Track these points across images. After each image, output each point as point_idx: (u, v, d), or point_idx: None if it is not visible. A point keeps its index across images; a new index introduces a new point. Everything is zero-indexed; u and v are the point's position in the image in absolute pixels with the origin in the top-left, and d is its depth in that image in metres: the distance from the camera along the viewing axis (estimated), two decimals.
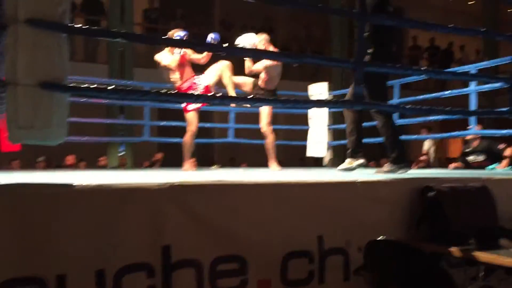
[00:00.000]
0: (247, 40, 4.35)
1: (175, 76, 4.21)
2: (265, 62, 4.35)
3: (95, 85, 1.97)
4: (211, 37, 4.28)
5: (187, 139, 4.26)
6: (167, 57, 4.15)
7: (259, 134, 4.08)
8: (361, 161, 3.45)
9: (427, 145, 7.80)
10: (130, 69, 9.46)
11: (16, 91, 1.73)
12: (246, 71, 4.43)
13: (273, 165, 4.45)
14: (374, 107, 2.71)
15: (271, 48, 4.39)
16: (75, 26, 1.97)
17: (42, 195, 1.56)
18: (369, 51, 3.03)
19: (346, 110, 3.42)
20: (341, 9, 2.98)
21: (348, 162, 3.45)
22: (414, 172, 3.69)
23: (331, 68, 9.42)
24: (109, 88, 1.98)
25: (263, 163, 4.71)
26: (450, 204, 2.12)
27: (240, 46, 4.20)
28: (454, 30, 2.74)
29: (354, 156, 3.45)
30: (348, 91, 3.75)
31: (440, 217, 2.10)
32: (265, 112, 4.40)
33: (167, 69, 4.21)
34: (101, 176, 2.72)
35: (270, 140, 4.46)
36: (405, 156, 3.29)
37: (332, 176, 2.68)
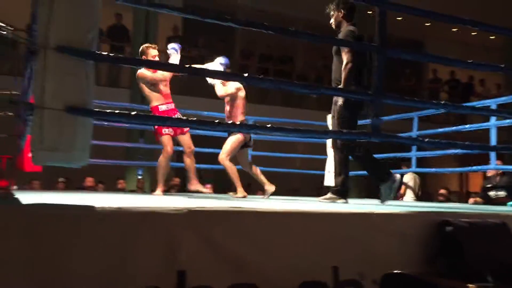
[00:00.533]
0: (215, 64, 4.52)
1: (154, 93, 4.29)
2: (238, 86, 4.51)
3: (118, 111, 2.03)
4: (173, 47, 4.39)
5: (163, 160, 4.29)
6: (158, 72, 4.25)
7: (276, 162, 4.10)
8: (343, 200, 3.61)
9: (407, 178, 7.66)
10: None
11: (43, 114, 1.79)
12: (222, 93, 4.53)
13: (238, 192, 4.48)
14: (392, 139, 2.72)
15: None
16: (103, 53, 2.04)
17: (63, 217, 1.59)
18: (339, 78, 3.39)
19: (336, 149, 3.61)
20: (360, 42, 3.01)
21: (329, 197, 3.63)
22: (432, 205, 3.66)
23: None
24: (131, 113, 2.03)
25: (279, 191, 4.72)
26: (468, 240, 2.10)
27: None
28: (475, 66, 2.75)
29: (338, 194, 3.62)
30: (329, 123, 4.05)
31: (457, 253, 2.07)
32: (229, 142, 4.48)
33: (152, 83, 4.31)
34: (119, 199, 2.76)
35: (229, 171, 4.50)
36: (347, 191, 3.64)
37: (348, 206, 2.67)
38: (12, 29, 1.77)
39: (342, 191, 3.58)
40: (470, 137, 3.85)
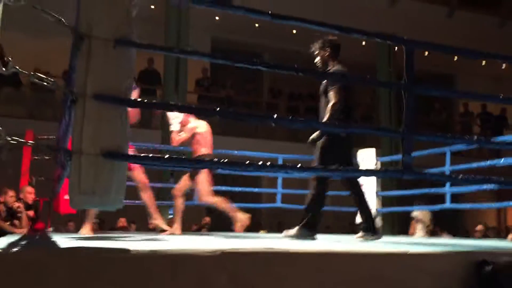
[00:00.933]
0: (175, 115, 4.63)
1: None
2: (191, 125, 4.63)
3: (151, 154, 2.08)
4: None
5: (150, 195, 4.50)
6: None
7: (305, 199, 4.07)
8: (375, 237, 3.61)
9: (418, 214, 7.40)
10: None
11: (81, 160, 1.86)
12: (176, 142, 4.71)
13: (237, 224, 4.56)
14: (425, 176, 2.69)
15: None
16: (138, 100, 2.11)
17: (101, 260, 1.62)
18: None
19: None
20: (389, 81, 3.05)
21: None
22: (470, 244, 3.55)
23: None
24: (164, 157, 2.08)
25: None
26: (509, 280, 2.03)
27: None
28: (504, 100, 2.72)
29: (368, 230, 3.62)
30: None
31: None
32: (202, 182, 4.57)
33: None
34: (153, 240, 2.79)
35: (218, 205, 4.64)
36: (316, 226, 3.56)
37: (381, 246, 2.63)
38: (52, 80, 1.86)
39: (310, 226, 3.52)
40: (506, 171, 3.76)
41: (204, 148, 4.68)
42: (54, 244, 1.92)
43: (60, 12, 2.05)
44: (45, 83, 1.94)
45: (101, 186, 1.86)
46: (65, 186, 2.53)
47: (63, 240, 2.33)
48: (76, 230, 7.17)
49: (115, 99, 1.87)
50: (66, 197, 2.10)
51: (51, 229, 5.27)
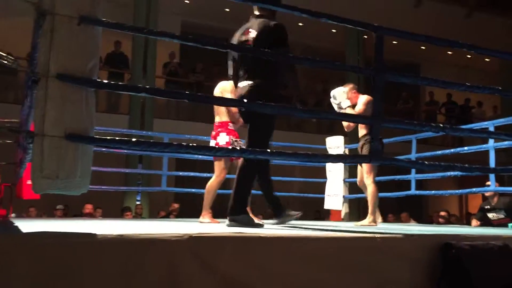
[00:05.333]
0: (338, 91, 4.48)
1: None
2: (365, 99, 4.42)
3: (119, 138, 2.03)
4: None
5: (213, 185, 4.10)
6: None
7: (276, 186, 4.06)
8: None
9: None
10: (150, 119, 9.68)
11: (43, 142, 1.79)
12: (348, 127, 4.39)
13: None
14: (392, 162, 2.72)
15: (360, 96, 4.45)
16: (103, 81, 2.05)
17: (65, 244, 1.58)
18: (251, 83, 3.04)
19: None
20: (357, 66, 3.06)
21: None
22: (434, 229, 3.64)
23: None
24: (132, 140, 2.03)
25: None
26: (471, 262, 2.08)
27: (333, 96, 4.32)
28: (471, 88, 2.77)
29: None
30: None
31: (461, 275, 2.06)
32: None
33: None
34: (120, 226, 2.74)
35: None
36: (244, 208, 3.05)
37: (351, 230, 2.66)
38: (13, 58, 1.77)
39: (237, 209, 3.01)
40: (468, 159, 3.85)
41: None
42: (16, 230, 1.85)
43: None
44: (5, 63, 1.86)
45: (65, 170, 1.79)
46: (27, 170, 2.44)
47: (26, 226, 2.25)
48: (39, 216, 7.03)
49: (79, 80, 1.80)
50: (29, 182, 2.03)
51: (13, 215, 5.13)
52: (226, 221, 2.99)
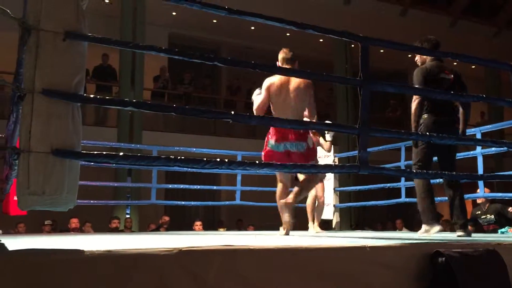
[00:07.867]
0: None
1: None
2: None
3: (105, 152, 2.02)
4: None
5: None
6: None
7: (265, 197, 4.06)
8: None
9: None
10: (139, 132, 9.64)
11: (29, 158, 1.77)
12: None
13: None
14: (380, 171, 2.73)
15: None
16: (89, 96, 2.04)
17: (52, 262, 1.55)
18: None
19: None
20: (344, 77, 3.09)
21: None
22: (424, 237, 3.64)
23: None
24: (120, 154, 2.02)
25: (274, 226, 4.68)
26: (461, 270, 2.09)
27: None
28: (456, 97, 2.80)
29: None
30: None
31: (450, 284, 2.06)
32: None
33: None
34: (108, 240, 2.72)
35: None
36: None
37: (340, 240, 2.66)
38: None
39: None
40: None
41: None
42: (2, 247, 1.82)
43: (5, 3, 1.95)
44: None
45: (52, 186, 1.78)
46: (14, 186, 2.41)
47: (12, 243, 2.22)
48: (28, 232, 6.94)
49: (65, 95, 1.79)
50: (16, 198, 2.00)
51: (0, 231, 5.06)
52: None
